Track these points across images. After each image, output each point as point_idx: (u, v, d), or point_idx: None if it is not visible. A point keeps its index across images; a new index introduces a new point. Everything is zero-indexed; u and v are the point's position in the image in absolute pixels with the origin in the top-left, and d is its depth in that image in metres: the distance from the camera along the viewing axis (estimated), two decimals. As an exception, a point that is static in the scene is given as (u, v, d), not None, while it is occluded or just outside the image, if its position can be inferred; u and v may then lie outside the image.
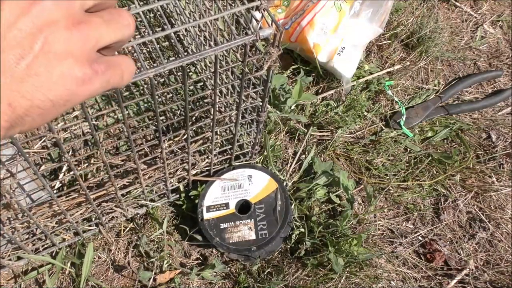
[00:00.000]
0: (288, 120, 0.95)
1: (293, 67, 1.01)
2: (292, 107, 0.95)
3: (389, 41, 1.08)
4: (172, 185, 0.82)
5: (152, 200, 0.84)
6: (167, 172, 0.75)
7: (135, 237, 0.84)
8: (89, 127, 0.75)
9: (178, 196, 0.86)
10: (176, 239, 0.85)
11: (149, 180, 0.78)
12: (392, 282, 0.84)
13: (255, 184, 0.84)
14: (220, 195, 0.83)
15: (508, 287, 0.85)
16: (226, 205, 0.82)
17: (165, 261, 0.80)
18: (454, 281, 0.85)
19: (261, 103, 0.71)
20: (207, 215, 0.81)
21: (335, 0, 0.99)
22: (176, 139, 0.82)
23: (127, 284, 0.81)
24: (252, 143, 0.84)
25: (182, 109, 0.91)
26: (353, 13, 1.00)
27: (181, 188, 0.85)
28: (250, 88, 0.68)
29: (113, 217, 0.82)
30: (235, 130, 0.76)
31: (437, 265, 0.87)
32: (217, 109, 0.82)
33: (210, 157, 0.81)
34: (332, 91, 1.00)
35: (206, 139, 0.82)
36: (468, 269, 0.87)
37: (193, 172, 0.83)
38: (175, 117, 0.91)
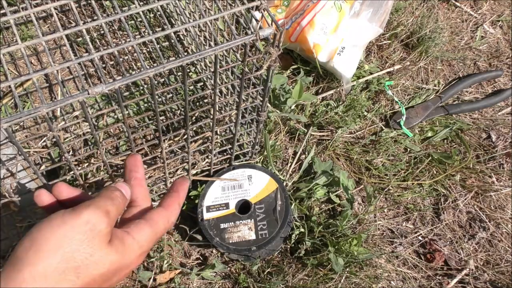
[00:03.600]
0: (288, 120, 0.95)
1: (293, 67, 1.01)
2: (292, 107, 0.95)
3: (389, 41, 1.08)
4: (172, 185, 0.82)
5: (152, 200, 0.84)
6: (167, 172, 0.75)
7: (135, 237, 0.84)
8: (89, 127, 0.75)
9: (178, 196, 0.86)
10: (176, 239, 0.85)
11: (149, 180, 0.78)
12: (392, 282, 0.84)
13: (255, 184, 0.84)
14: (220, 195, 0.83)
15: (508, 287, 0.85)
16: (226, 205, 0.82)
17: (165, 261, 0.80)
18: (454, 281, 0.85)
19: (261, 103, 0.71)
20: (207, 215, 0.81)
21: (335, 0, 0.99)
22: (176, 139, 0.82)
23: (127, 284, 0.81)
24: (252, 143, 0.84)
25: (182, 109, 0.91)
26: (353, 13, 1.00)
27: (181, 188, 0.85)
28: (250, 88, 0.68)
29: (113, 217, 0.82)
30: (235, 130, 0.76)
31: (437, 265, 0.87)
32: (217, 109, 0.82)
33: (210, 157, 0.81)
34: (332, 91, 1.00)
35: (206, 139, 0.82)
36: (468, 269, 0.87)
37: (193, 172, 0.83)
38: (175, 117, 0.91)
